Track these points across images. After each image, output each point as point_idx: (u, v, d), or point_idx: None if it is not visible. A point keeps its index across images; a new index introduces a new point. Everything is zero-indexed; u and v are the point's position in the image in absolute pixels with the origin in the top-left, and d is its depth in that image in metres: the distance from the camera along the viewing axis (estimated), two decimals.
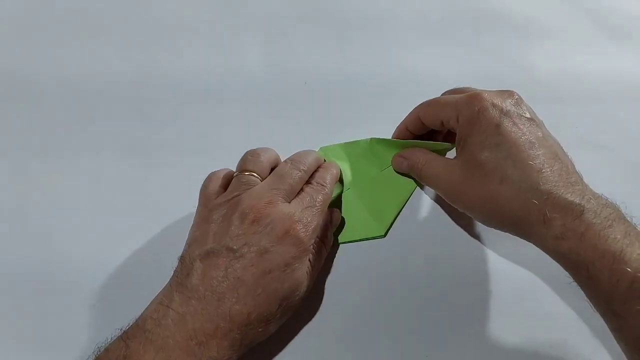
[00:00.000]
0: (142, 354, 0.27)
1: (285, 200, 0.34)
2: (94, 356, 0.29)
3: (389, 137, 0.42)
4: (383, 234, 0.39)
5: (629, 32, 0.54)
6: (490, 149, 0.32)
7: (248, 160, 0.36)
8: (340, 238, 0.39)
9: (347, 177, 0.41)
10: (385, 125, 0.45)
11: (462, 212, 0.36)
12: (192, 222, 0.35)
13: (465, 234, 0.40)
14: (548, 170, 0.31)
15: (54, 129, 0.43)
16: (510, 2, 0.55)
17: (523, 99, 0.35)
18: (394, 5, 0.54)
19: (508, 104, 0.33)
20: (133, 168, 0.42)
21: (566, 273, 0.31)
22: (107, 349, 0.29)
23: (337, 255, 0.39)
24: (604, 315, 0.30)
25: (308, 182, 0.37)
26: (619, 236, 0.29)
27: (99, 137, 0.43)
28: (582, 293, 0.31)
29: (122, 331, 0.30)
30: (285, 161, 0.37)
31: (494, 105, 0.33)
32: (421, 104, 0.38)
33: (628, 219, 0.31)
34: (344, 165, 0.41)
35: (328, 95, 0.47)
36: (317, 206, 0.34)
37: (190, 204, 0.36)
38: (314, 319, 0.36)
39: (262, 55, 0.49)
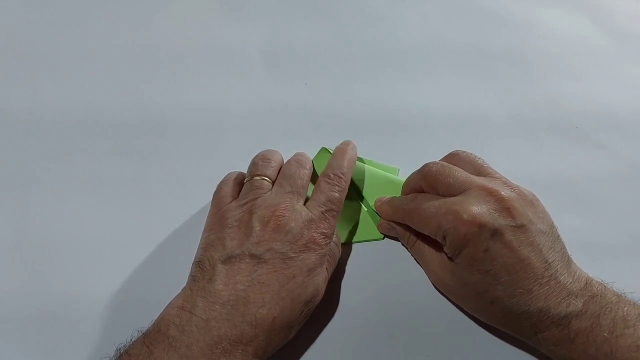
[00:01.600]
0: None
1: (300, 203, 0.34)
2: (115, 358, 0.29)
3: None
4: (382, 237, 0.40)
5: (628, 32, 0.54)
6: (480, 273, 0.31)
7: (259, 165, 0.36)
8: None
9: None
10: (386, 126, 0.46)
11: None
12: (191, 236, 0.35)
13: None
14: (537, 287, 0.31)
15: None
16: (510, 4, 0.55)
17: (513, 198, 0.32)
18: (393, 4, 0.54)
19: (495, 219, 0.31)
20: (135, 173, 0.42)
21: None
22: (129, 353, 0.29)
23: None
24: None
25: (325, 173, 0.36)
26: (606, 333, 0.30)
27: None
28: None
29: (143, 334, 0.29)
30: (289, 161, 0.37)
31: (480, 227, 0.31)
32: (405, 207, 0.36)
33: (615, 297, 0.31)
34: None
35: (329, 96, 0.47)
36: (334, 206, 0.34)
37: (189, 213, 0.38)
38: (313, 320, 0.36)
39: (262, 57, 0.49)
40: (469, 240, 0.31)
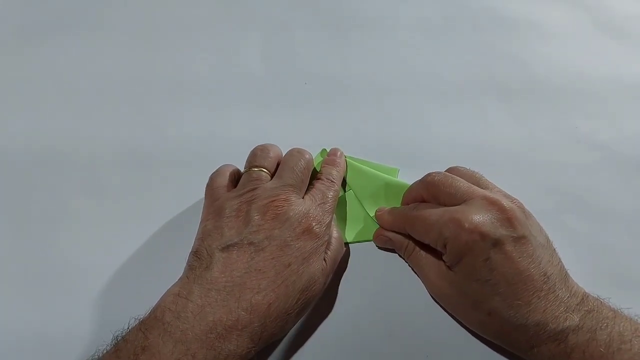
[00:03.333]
0: (161, 345, 0.28)
1: (299, 196, 0.35)
2: (112, 344, 0.29)
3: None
4: None
5: (629, 32, 0.54)
6: (479, 283, 0.32)
7: (258, 156, 0.37)
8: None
9: (348, 179, 0.42)
10: (387, 125, 0.46)
11: None
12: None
13: None
14: (535, 299, 0.31)
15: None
16: (511, 3, 0.56)
17: (514, 209, 0.33)
18: (394, 6, 0.55)
19: (497, 229, 0.31)
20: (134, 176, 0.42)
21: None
22: (125, 339, 0.29)
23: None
24: None
25: (318, 177, 0.38)
26: (602, 349, 0.29)
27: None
28: None
29: (139, 321, 0.30)
30: (290, 153, 0.38)
31: (482, 236, 0.31)
32: (408, 214, 0.36)
33: (611, 313, 0.31)
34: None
35: (329, 95, 0.48)
36: (329, 202, 0.36)
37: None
38: (312, 318, 0.36)
39: (261, 56, 0.50)
40: (469, 249, 0.31)
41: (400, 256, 0.39)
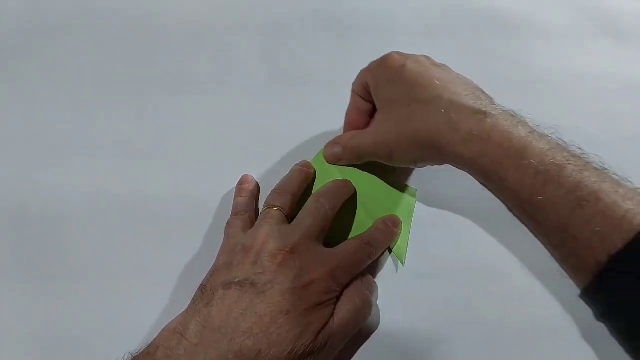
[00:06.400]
0: None
1: (317, 244, 0.34)
2: None
3: None
4: None
5: (629, 32, 0.53)
6: (398, 83, 0.34)
7: (275, 197, 0.37)
8: None
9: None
10: None
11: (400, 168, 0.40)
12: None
13: (468, 233, 0.40)
14: (452, 86, 0.33)
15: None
16: (509, 2, 0.55)
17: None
18: (393, 6, 0.54)
19: (414, 55, 0.36)
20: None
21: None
22: None
23: None
24: (520, 218, 0.31)
25: (361, 237, 0.36)
26: (523, 134, 0.30)
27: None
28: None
29: (132, 356, 0.30)
30: (313, 197, 0.37)
31: (398, 53, 0.36)
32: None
33: (534, 125, 0.32)
34: (343, 172, 0.41)
35: (329, 94, 0.46)
36: (356, 266, 0.35)
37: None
38: None
39: (261, 55, 0.49)
40: (387, 59, 0.36)
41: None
